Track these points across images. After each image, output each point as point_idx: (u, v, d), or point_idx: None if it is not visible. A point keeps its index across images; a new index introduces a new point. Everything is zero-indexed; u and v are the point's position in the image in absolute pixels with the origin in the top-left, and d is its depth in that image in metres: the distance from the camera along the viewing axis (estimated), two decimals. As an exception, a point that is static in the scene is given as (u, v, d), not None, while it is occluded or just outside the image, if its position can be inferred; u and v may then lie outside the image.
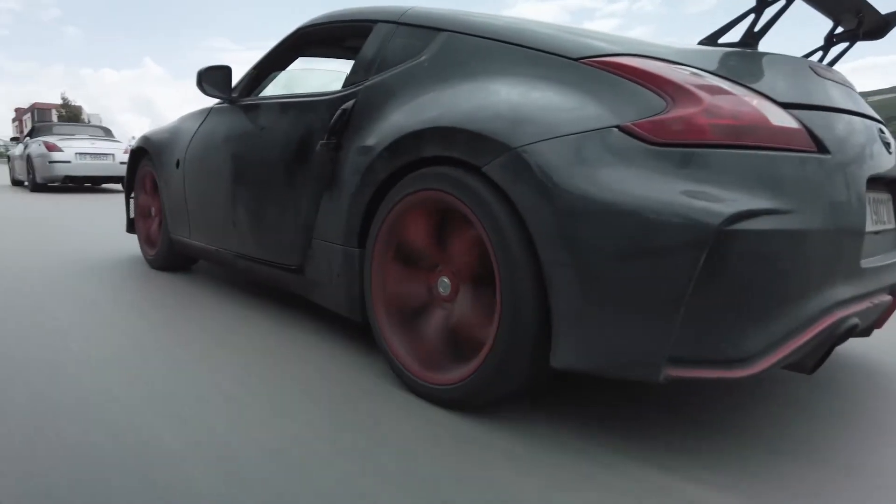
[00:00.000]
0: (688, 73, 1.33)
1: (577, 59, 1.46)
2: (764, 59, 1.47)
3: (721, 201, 1.19)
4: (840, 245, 1.32)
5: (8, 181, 13.13)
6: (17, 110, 78.23)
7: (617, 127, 1.30)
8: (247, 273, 2.52)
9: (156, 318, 2.38)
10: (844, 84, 1.68)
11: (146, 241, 3.45)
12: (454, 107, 1.59)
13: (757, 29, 1.51)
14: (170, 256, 3.20)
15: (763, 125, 1.27)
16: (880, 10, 1.85)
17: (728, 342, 1.21)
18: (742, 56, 1.47)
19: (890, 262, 1.57)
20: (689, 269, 1.17)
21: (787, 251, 1.22)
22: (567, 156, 1.32)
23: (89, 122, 46.30)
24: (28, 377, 1.68)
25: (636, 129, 1.28)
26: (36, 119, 59.29)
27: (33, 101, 64.35)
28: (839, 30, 1.87)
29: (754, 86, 1.35)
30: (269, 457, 1.27)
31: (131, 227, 3.59)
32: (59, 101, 52.63)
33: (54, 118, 56.12)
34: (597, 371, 1.31)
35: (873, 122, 1.62)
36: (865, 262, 1.43)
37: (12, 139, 16.11)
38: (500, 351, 1.41)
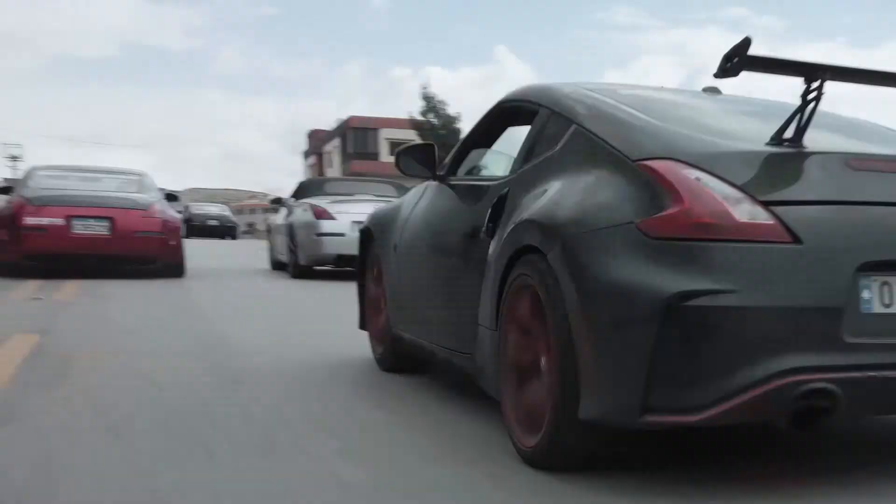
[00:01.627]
0: None
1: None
2: None
3: None
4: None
5: (267, 264, 9.25)
6: (311, 136, 44.62)
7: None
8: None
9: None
10: None
11: (376, 337, 3.06)
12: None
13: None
14: (394, 356, 2.81)
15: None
16: None
17: None
18: None
19: None
20: None
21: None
22: None
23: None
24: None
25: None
26: (353, 144, 35.95)
27: (349, 115, 37.48)
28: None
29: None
30: None
31: (363, 321, 3.17)
32: (417, 107, 26.04)
33: (383, 148, 32.71)
34: None
35: None
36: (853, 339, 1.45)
37: (273, 202, 10.67)
38: None
